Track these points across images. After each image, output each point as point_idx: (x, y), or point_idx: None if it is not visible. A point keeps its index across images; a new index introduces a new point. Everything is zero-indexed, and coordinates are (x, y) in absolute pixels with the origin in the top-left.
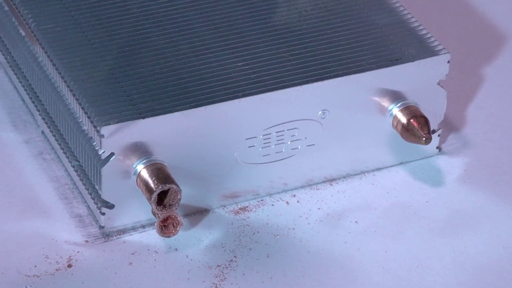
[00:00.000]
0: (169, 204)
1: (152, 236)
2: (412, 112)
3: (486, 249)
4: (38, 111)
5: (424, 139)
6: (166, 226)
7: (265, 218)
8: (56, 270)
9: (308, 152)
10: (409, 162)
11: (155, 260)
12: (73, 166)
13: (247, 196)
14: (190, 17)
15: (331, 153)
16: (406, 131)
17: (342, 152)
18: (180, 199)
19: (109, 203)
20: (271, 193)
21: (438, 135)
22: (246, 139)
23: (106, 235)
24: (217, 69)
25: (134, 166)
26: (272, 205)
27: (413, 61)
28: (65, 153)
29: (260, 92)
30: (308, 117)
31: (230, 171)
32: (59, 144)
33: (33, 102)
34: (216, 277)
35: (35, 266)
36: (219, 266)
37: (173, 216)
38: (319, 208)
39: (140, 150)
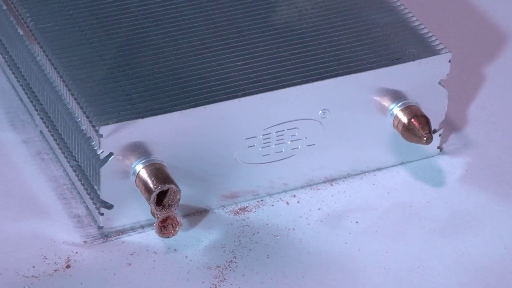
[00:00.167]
0: (168, 205)
1: (151, 236)
2: (413, 111)
3: (488, 249)
4: (37, 110)
5: (425, 139)
6: (165, 227)
7: (265, 219)
8: (55, 270)
9: (308, 152)
10: (410, 162)
11: (154, 260)
12: (72, 166)
13: (247, 196)
14: (189, 16)
15: (332, 153)
16: (407, 131)
17: (343, 152)
18: (179, 199)
19: (107, 203)
20: (271, 193)
21: (439, 135)
22: (246, 139)
23: (105, 235)
24: (217, 69)
25: (133, 166)
26: (272, 205)
27: (414, 60)
28: (63, 153)
29: (260, 91)
30: (308, 116)
31: (230, 171)
32: (58, 144)
33: (31, 102)
34: (216, 277)
35: (33, 267)
36: (218, 266)
37: (172, 217)
38: (319, 209)
39: (139, 150)
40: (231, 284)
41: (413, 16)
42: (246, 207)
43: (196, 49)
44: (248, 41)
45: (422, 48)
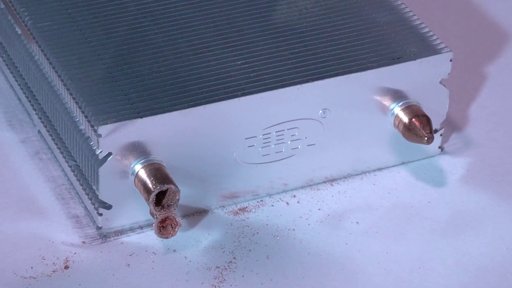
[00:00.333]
0: (168, 205)
1: (150, 237)
2: (414, 111)
3: (489, 250)
4: (35, 110)
5: (426, 138)
6: (164, 227)
7: (265, 219)
8: (53, 271)
9: (309, 152)
10: (411, 162)
11: (153, 261)
12: (70, 166)
13: (247, 197)
14: (188, 15)
15: (332, 153)
16: (408, 131)
17: (343, 152)
18: (178, 200)
19: (106, 203)
20: (271, 193)
21: (440, 135)
22: (246, 138)
23: (104, 236)
24: (216, 68)
25: (132, 166)
26: (272, 205)
27: (415, 59)
28: (62, 153)
29: (259, 91)
30: (308, 116)
31: (229, 171)
32: (56, 144)
33: (30, 101)
34: (215, 278)
35: (32, 268)
36: (218, 267)
37: (172, 217)
38: (319, 209)
39: (138, 149)
40: (231, 285)
41: (414, 15)
42: (246, 207)
43: (196, 48)
44: (248, 40)
45: (423, 47)
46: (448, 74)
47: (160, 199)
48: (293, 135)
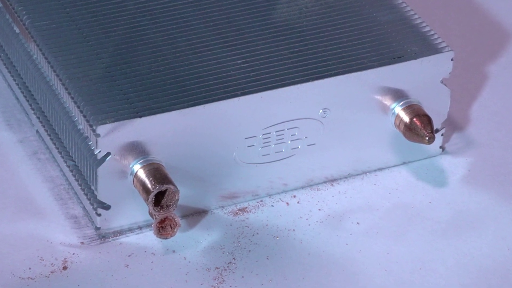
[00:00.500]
0: (167, 205)
1: (149, 237)
2: (415, 111)
3: (491, 251)
4: (33, 110)
5: (427, 138)
6: (163, 228)
7: (265, 219)
8: (51, 272)
9: (309, 151)
10: (412, 162)
11: (152, 262)
12: (69, 166)
13: (246, 197)
14: (188, 14)
15: (332, 153)
16: (409, 130)
17: (344, 152)
18: (177, 200)
19: (105, 204)
20: (271, 193)
21: (442, 135)
22: (245, 138)
23: (102, 236)
24: (216, 67)
25: (130, 166)
26: (272, 206)
27: (416, 58)
28: (60, 153)
29: (259, 90)
30: (308, 116)
31: (229, 171)
32: (54, 144)
33: (28, 101)
34: (215, 279)
35: (30, 268)
36: (217, 268)
37: (171, 217)
38: (319, 209)
39: (137, 149)
40: (230, 286)
41: (415, 14)
42: (246, 207)
43: (195, 47)
44: (248, 39)
45: (424, 46)
46: (450, 73)
47: (159, 199)
48: (293, 134)
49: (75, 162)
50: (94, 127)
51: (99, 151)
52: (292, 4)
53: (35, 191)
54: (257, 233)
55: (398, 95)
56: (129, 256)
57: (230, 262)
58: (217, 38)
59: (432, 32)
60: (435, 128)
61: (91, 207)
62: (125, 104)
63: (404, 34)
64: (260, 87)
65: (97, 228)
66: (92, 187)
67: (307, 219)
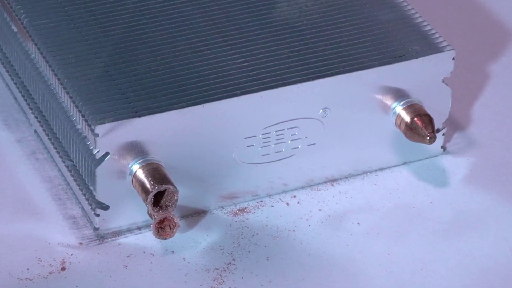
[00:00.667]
0: (166, 205)
1: (148, 238)
2: (416, 110)
3: (492, 251)
4: (31, 109)
5: (428, 138)
6: (162, 228)
7: (265, 220)
8: (49, 273)
9: (309, 151)
10: (413, 162)
11: (151, 263)
12: (67, 166)
13: (246, 197)
14: (187, 13)
15: (333, 153)
16: (410, 130)
17: (344, 152)
18: (177, 200)
19: (103, 204)
20: (271, 194)
21: (443, 134)
22: (245, 138)
23: (101, 237)
24: (215, 66)
25: (129, 166)
26: (272, 206)
27: (417, 58)
28: (58, 152)
29: (259, 89)
30: (308, 115)
31: (229, 171)
32: (52, 144)
33: (26, 100)
34: (214, 280)
35: (28, 269)
36: (217, 269)
37: (170, 218)
38: (320, 209)
39: (135, 149)
40: (230, 287)
41: (416, 12)
42: (245, 208)
43: (194, 46)
44: (248, 38)
45: (425, 45)
46: (451, 72)
47: (158, 200)
48: (293, 134)
49: (73, 162)
50: (92, 127)
51: (98, 151)
52: (292, 3)
53: (33, 191)
54: (257, 234)
55: (399, 94)
56: (128, 256)
57: (230, 263)
58: (216, 37)
59: (433, 31)
60: (436, 127)
61: (90, 207)
62: (124, 103)
63: (405, 33)
64: (260, 87)
65: (96, 229)
66: (91, 187)
67: (307, 220)
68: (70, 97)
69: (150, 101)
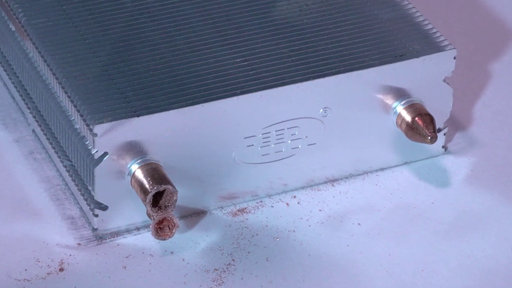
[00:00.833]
0: (165, 206)
1: (147, 238)
2: (417, 110)
3: (494, 252)
4: (29, 109)
5: (429, 138)
6: (161, 228)
7: (265, 220)
8: (48, 274)
9: (309, 151)
10: (414, 162)
11: (150, 263)
12: (65, 166)
13: (246, 197)
14: (186, 12)
15: (333, 153)
16: (411, 130)
17: (344, 152)
18: (176, 200)
19: (102, 204)
20: (271, 194)
21: (444, 134)
22: (245, 138)
23: (99, 237)
24: (215, 66)
25: (128, 166)
26: (272, 206)
27: (418, 57)
28: (56, 152)
29: (259, 89)
30: (309, 115)
31: (228, 171)
32: (51, 143)
33: (24, 100)
34: (214, 281)
35: (26, 270)
36: (216, 269)
37: (169, 218)
38: (320, 210)
39: (134, 149)
40: None
41: (417, 11)
42: (245, 208)
43: (194, 45)
44: (247, 37)
45: (426, 44)
46: (452, 72)
47: (157, 200)
48: (293, 134)
49: (71, 162)
50: (91, 127)
51: (96, 151)
52: (292, 2)
53: (31, 192)
54: (257, 234)
55: (400, 94)
56: (126, 257)
57: (229, 264)
58: (216, 36)
59: (435, 30)
60: (437, 127)
61: (88, 207)
62: (123, 103)
63: (406, 32)
64: (259, 86)
65: (94, 229)
66: (89, 188)
67: (307, 220)
68: (69, 97)
69: (149, 101)
